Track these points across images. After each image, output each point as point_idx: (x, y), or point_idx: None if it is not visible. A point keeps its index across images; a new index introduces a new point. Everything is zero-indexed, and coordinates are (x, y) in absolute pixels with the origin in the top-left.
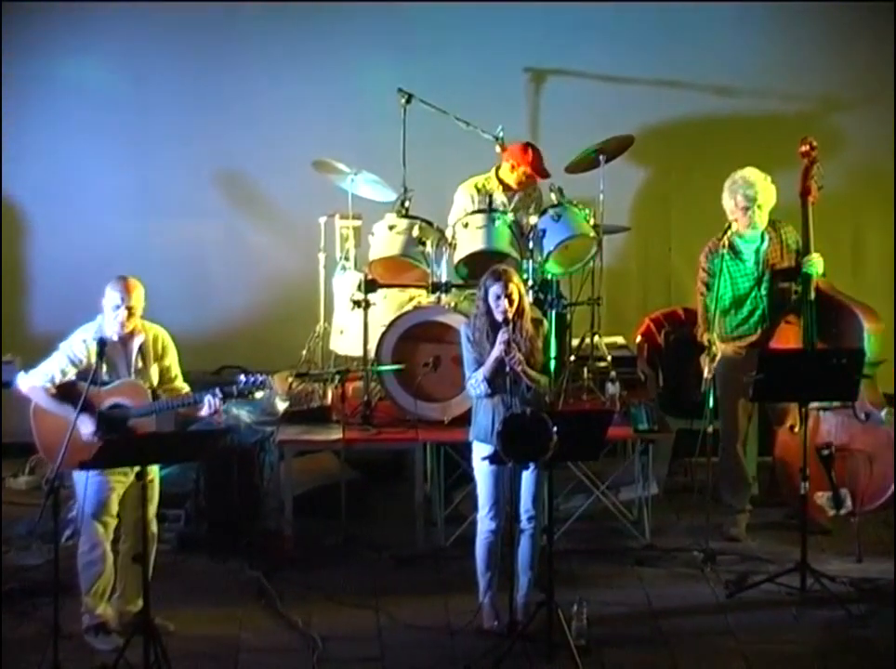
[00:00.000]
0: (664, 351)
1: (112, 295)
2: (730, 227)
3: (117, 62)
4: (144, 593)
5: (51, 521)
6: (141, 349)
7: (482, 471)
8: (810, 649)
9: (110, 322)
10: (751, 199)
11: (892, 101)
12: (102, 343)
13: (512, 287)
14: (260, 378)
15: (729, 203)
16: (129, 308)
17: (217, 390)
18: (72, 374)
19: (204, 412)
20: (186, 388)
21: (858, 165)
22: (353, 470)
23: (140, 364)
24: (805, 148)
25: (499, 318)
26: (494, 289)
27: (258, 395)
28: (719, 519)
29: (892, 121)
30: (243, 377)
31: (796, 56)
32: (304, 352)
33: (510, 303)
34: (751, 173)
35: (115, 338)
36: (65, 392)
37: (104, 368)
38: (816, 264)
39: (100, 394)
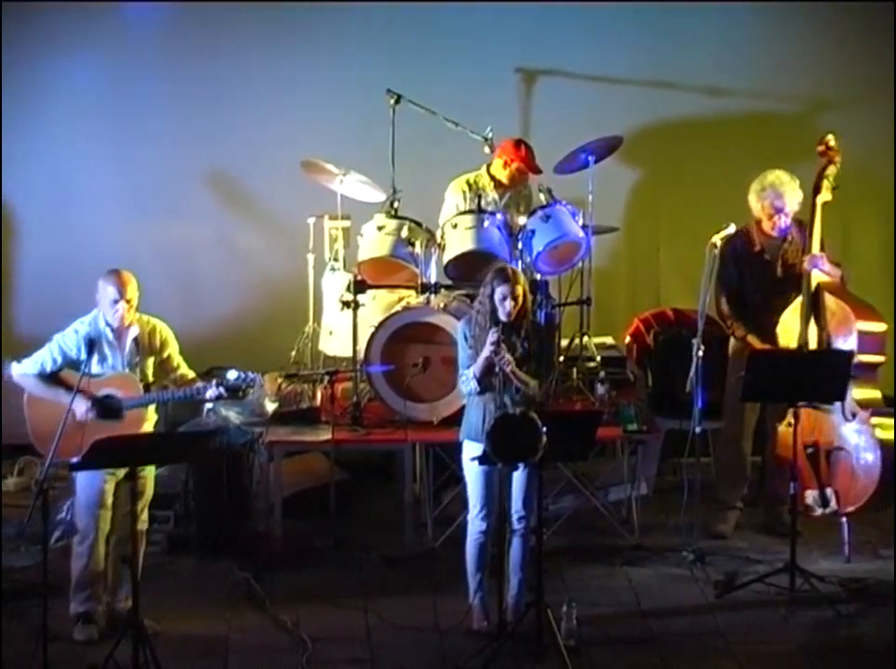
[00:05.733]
0: (653, 351)
1: (108, 290)
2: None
3: (107, 63)
4: (133, 593)
5: (40, 523)
6: (136, 342)
7: (473, 471)
8: (800, 649)
9: (109, 316)
10: (779, 209)
11: (886, 100)
12: (90, 342)
13: (519, 289)
14: (251, 376)
15: (756, 206)
16: (128, 301)
17: (216, 383)
18: (63, 363)
19: (210, 395)
20: (191, 375)
21: (848, 165)
22: (342, 471)
23: (135, 357)
24: (821, 147)
25: (504, 318)
26: (502, 289)
27: (249, 393)
28: (709, 519)
29: (892, 120)
30: (235, 373)
31: (786, 56)
32: (293, 353)
33: (515, 305)
34: (781, 181)
35: (110, 331)
36: (56, 380)
37: (96, 358)
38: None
39: (92, 384)
